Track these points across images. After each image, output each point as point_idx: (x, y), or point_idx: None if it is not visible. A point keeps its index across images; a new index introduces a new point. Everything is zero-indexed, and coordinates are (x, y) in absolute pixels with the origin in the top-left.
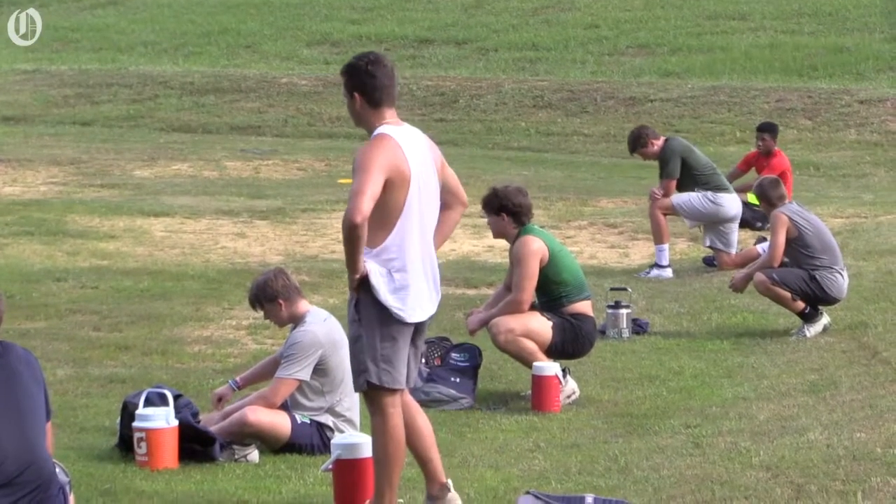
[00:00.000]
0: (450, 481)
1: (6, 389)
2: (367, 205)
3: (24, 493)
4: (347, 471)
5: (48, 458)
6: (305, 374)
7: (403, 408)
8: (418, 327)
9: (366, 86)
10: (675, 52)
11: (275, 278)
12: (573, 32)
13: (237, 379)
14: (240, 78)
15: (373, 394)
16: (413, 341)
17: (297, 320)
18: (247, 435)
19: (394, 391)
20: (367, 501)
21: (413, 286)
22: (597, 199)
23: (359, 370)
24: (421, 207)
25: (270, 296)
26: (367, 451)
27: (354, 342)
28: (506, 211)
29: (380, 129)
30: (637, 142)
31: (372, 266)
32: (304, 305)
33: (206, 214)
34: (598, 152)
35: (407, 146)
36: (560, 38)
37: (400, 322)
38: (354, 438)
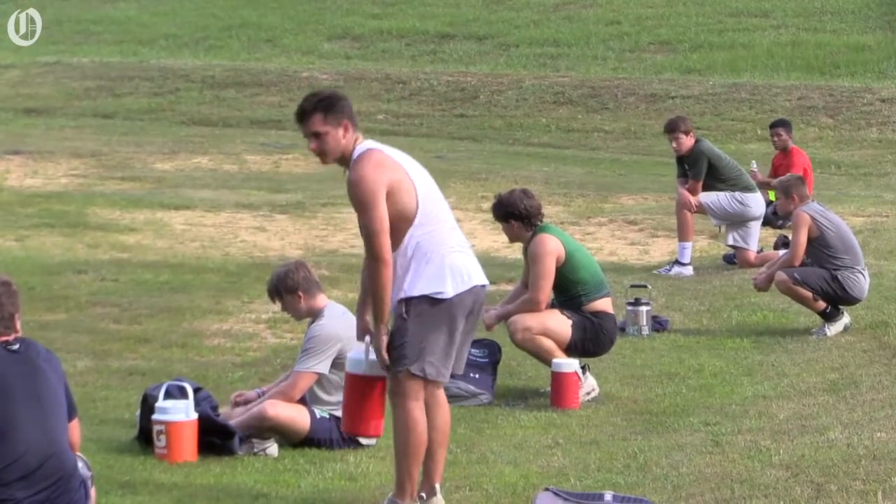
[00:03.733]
0: (438, 486)
1: (28, 383)
2: (387, 243)
3: (45, 485)
4: (365, 386)
5: (69, 452)
6: (324, 367)
7: (432, 400)
8: (469, 316)
9: (352, 116)
10: (697, 48)
11: (296, 270)
12: (594, 29)
13: (263, 389)
14: (260, 72)
15: (403, 383)
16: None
17: (314, 314)
18: (266, 429)
19: (420, 385)
20: (390, 494)
21: (447, 264)
22: (617, 196)
23: (400, 359)
24: (434, 198)
25: (291, 287)
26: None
27: (398, 330)
28: (513, 217)
29: (359, 149)
30: (677, 126)
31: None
32: (322, 300)
33: (226, 208)
34: (618, 149)
35: (391, 152)
36: (581, 35)
37: (445, 306)
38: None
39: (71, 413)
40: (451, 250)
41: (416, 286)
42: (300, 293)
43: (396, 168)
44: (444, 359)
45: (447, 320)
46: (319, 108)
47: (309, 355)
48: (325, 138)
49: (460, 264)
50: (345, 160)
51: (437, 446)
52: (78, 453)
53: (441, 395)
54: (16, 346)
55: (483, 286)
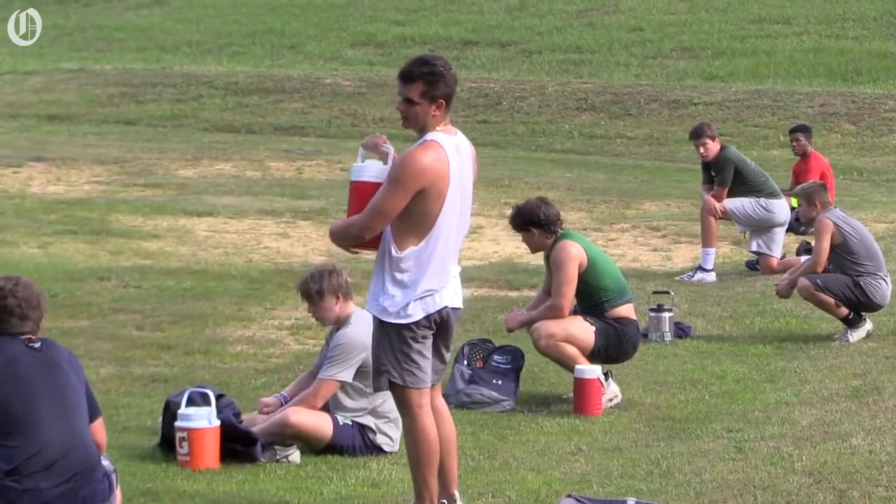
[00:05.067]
0: (457, 493)
1: (48, 379)
2: (377, 228)
3: (67, 476)
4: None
5: (92, 446)
6: (347, 375)
7: (432, 411)
8: (441, 329)
9: (450, 95)
10: (719, 55)
11: (339, 273)
12: (617, 35)
13: (284, 393)
14: (284, 78)
15: (399, 394)
16: (435, 343)
17: (341, 321)
18: (288, 436)
19: (419, 390)
20: (411, 502)
21: (420, 289)
22: (640, 202)
23: (380, 370)
24: (453, 218)
25: (334, 288)
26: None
27: (376, 341)
28: (533, 224)
29: (432, 136)
30: (703, 132)
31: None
32: (351, 306)
33: (250, 214)
34: (641, 155)
35: (453, 157)
36: (604, 41)
37: (412, 325)
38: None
39: (94, 413)
40: (429, 285)
41: (387, 313)
42: (340, 296)
43: (444, 176)
44: (420, 363)
45: (413, 336)
46: (423, 79)
47: (333, 363)
48: (415, 108)
49: (433, 292)
50: (421, 133)
51: (445, 454)
52: (104, 454)
53: (440, 404)
54: (37, 345)
55: (455, 308)
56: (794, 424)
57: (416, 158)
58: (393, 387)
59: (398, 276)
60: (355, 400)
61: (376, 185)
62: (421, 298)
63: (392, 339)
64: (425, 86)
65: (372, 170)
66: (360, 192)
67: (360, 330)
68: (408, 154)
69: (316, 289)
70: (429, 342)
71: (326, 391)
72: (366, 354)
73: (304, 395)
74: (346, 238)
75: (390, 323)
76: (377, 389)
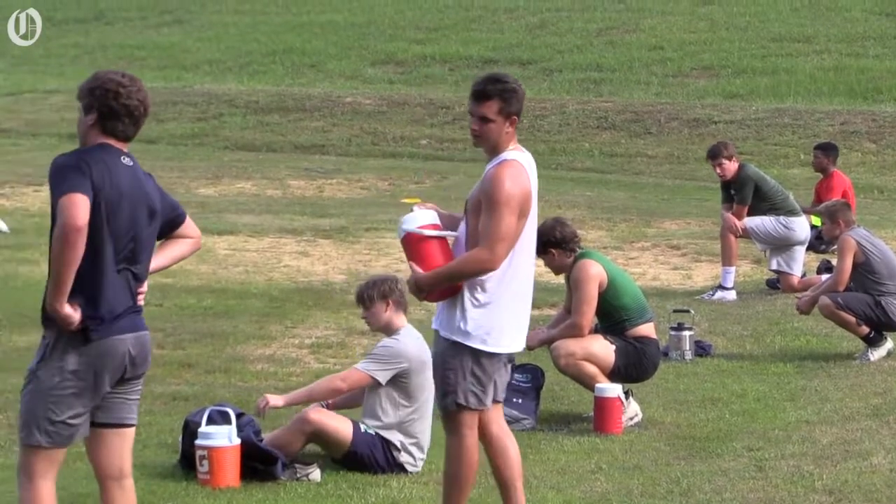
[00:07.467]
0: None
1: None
2: (507, 253)
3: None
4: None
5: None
6: (383, 377)
7: (498, 431)
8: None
9: (521, 111)
10: (740, 73)
11: (395, 282)
12: (637, 54)
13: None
14: (304, 97)
15: (456, 415)
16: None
17: (391, 331)
18: (307, 433)
19: (474, 413)
20: None
21: (503, 315)
22: (660, 221)
23: (446, 390)
24: (531, 236)
25: (383, 293)
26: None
27: (445, 361)
28: (551, 245)
29: (511, 155)
30: (720, 152)
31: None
32: (403, 320)
33: (270, 233)
34: (661, 174)
35: (532, 176)
36: (624, 60)
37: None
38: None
39: (180, 216)
40: (514, 310)
41: (469, 336)
42: (390, 302)
43: (529, 195)
44: (486, 385)
45: (480, 360)
46: (500, 96)
47: (373, 359)
48: (490, 126)
49: (511, 329)
50: (494, 152)
51: (515, 476)
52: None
53: (504, 423)
54: (130, 162)
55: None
56: (814, 443)
57: (507, 178)
58: (457, 406)
59: (480, 296)
60: (387, 412)
61: (433, 229)
62: (494, 325)
63: (465, 359)
64: (501, 103)
65: (423, 217)
66: (418, 241)
67: (408, 342)
68: (496, 176)
69: (368, 294)
70: (500, 362)
71: (354, 380)
72: (407, 366)
73: (333, 375)
74: (467, 275)
75: (469, 346)
76: (444, 409)
